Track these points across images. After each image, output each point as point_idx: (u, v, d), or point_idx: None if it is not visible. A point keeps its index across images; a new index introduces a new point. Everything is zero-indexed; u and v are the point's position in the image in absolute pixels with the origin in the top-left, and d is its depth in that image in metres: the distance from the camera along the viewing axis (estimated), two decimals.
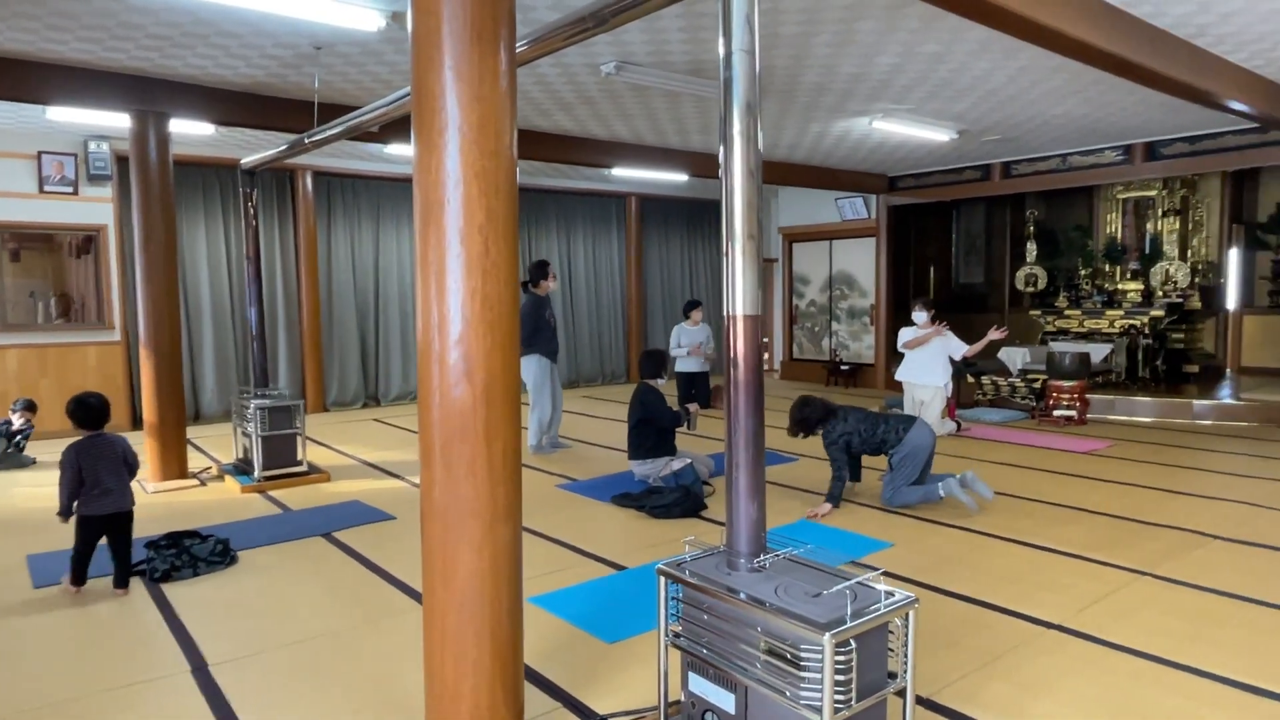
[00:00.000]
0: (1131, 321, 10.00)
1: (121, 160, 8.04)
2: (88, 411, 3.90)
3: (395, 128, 6.36)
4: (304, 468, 6.23)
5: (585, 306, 12.16)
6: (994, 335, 6.86)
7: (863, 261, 11.92)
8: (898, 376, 7.69)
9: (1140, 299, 10.34)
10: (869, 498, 5.56)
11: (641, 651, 3.23)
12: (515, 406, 2.45)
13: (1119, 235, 10.95)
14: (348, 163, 9.65)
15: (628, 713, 2.77)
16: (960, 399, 9.11)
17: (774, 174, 9.83)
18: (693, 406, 6.33)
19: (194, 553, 4.22)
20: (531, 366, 7.09)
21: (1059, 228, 11.61)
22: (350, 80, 5.96)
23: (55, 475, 3.89)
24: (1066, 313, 10.55)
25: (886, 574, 2.27)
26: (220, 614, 3.70)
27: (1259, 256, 10.64)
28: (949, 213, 12.54)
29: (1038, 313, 10.89)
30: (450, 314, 2.33)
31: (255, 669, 3.16)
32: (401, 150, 8.29)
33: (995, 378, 9.69)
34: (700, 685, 2.35)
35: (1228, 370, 10.62)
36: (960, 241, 12.80)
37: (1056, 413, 8.61)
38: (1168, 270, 10.28)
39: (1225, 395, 8.87)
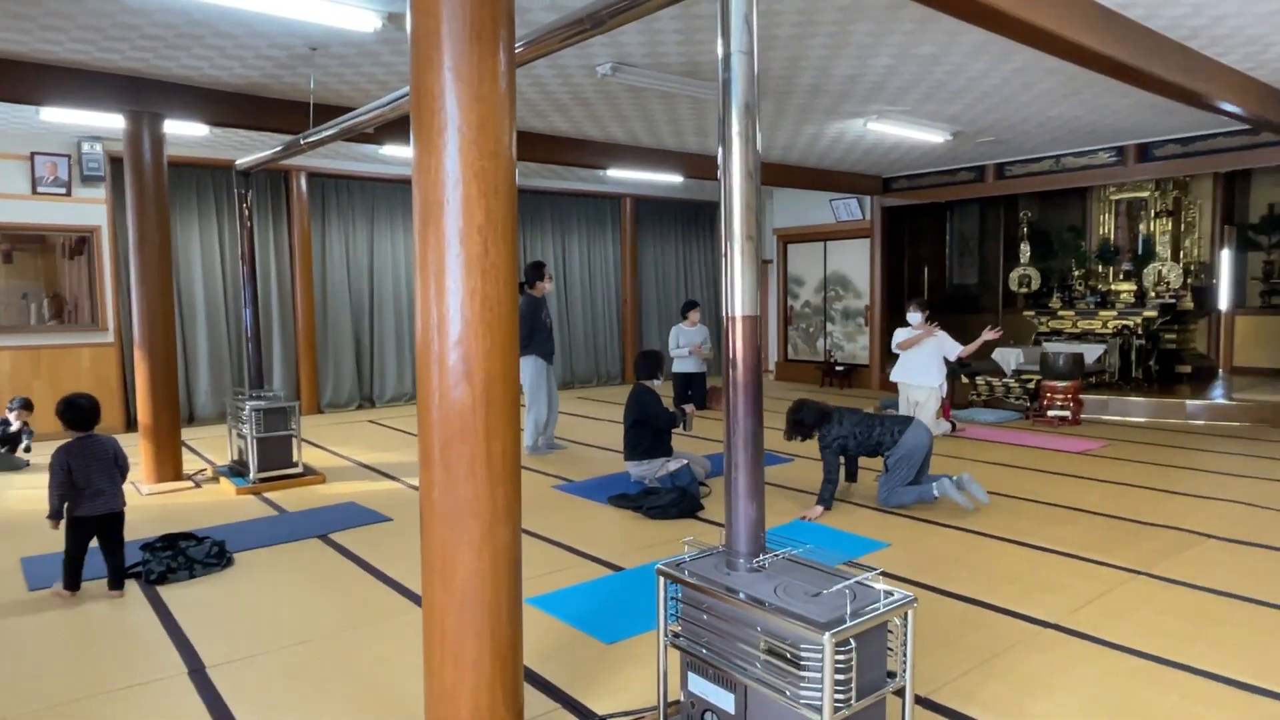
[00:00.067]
0: (1125, 322, 10.03)
1: (115, 161, 8.02)
2: (78, 413, 3.89)
3: (391, 129, 6.35)
4: (299, 469, 6.21)
5: (580, 307, 12.16)
6: (988, 336, 6.88)
7: (857, 262, 11.95)
8: (893, 377, 7.70)
9: (1133, 300, 10.37)
10: (865, 498, 5.57)
11: (639, 652, 3.23)
12: (515, 407, 2.46)
13: (1112, 236, 10.99)
14: (342, 164, 9.63)
15: (627, 713, 2.77)
16: (955, 399, 9.14)
17: (769, 175, 9.83)
18: (689, 407, 6.33)
19: (190, 555, 4.21)
20: (528, 368, 7.08)
21: (1052, 229, 11.64)
22: (346, 81, 5.95)
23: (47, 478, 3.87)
24: (1060, 313, 10.58)
25: (884, 574, 2.28)
26: (217, 616, 3.69)
27: (1251, 257, 10.71)
28: (943, 214, 12.57)
29: (1031, 313, 10.92)
30: (450, 315, 2.33)
31: (253, 671, 3.15)
32: (396, 151, 8.28)
33: (989, 378, 9.73)
34: (700, 685, 2.35)
35: (1220, 370, 10.67)
36: (954, 242, 12.82)
37: (1050, 413, 8.64)
38: (1160, 271, 10.32)
39: (1218, 395, 8.92)
